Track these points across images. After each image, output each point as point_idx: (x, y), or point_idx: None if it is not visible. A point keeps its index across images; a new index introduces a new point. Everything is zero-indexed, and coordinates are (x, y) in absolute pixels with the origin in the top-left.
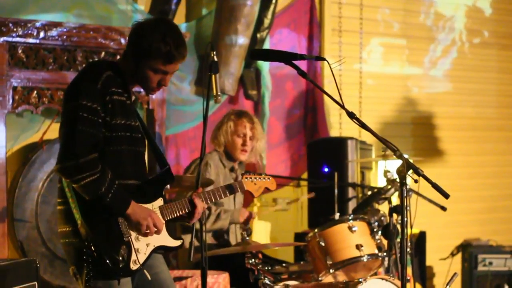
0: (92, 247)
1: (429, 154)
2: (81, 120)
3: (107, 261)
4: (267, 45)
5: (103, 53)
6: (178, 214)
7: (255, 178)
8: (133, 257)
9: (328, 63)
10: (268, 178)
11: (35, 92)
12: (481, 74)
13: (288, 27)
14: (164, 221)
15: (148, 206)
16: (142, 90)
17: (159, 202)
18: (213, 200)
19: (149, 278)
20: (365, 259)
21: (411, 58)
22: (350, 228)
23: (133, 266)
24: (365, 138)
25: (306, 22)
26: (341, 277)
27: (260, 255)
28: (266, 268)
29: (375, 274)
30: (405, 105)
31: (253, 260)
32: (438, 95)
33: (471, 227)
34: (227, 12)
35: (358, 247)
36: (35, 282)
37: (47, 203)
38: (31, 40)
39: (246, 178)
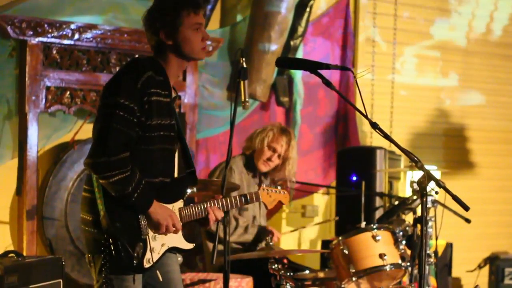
0: (111, 240)
1: (460, 166)
2: (117, 118)
3: (123, 255)
4: (300, 53)
5: (137, 56)
6: (195, 218)
7: (271, 190)
8: (148, 255)
9: (353, 73)
10: (283, 192)
11: (68, 92)
12: None
13: (322, 36)
14: (181, 223)
15: (169, 206)
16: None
17: (179, 204)
18: (230, 208)
19: (161, 279)
20: (387, 268)
21: (444, 70)
22: (374, 237)
23: (146, 264)
24: (394, 148)
25: (340, 31)
26: (364, 285)
27: (285, 261)
28: (288, 274)
29: (399, 283)
30: (437, 116)
31: (276, 265)
32: (470, 108)
33: (500, 240)
34: (261, 18)
35: (381, 256)
36: (60, 280)
37: (77, 202)
38: (65, 41)
39: (263, 189)
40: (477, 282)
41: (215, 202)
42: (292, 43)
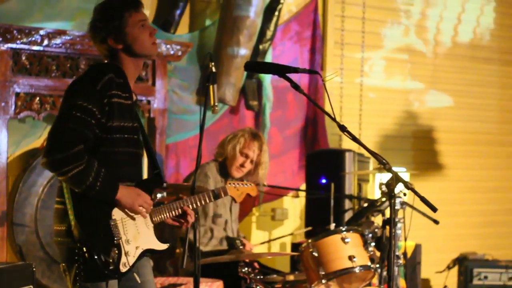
0: (84, 248)
1: (429, 167)
2: (73, 118)
3: (98, 262)
4: (269, 57)
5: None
6: (166, 217)
7: (238, 184)
8: (123, 259)
9: (321, 77)
10: (250, 185)
11: (38, 98)
12: (483, 89)
13: (290, 39)
14: (152, 223)
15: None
16: (143, 98)
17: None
18: (199, 204)
19: (139, 281)
20: (357, 270)
21: (412, 72)
22: (343, 239)
23: (123, 268)
24: (363, 150)
25: (309, 35)
26: (334, 287)
27: (256, 264)
28: (258, 277)
29: (369, 285)
30: (406, 118)
31: (246, 268)
32: (439, 110)
33: (469, 241)
34: (230, 23)
35: (351, 258)
36: (31, 286)
37: (47, 208)
38: (35, 48)
39: (230, 183)
40: (446, 283)
41: (185, 200)
42: (261, 47)
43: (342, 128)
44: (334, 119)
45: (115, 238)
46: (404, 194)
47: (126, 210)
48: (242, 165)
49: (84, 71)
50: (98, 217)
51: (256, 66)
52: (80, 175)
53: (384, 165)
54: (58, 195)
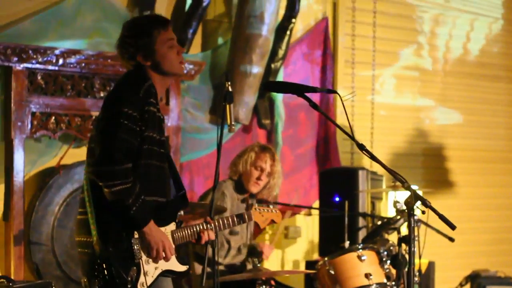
0: (104, 265)
1: (439, 185)
2: (122, 127)
3: (117, 280)
4: (281, 76)
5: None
6: (188, 240)
7: (263, 210)
8: (141, 279)
9: (340, 96)
10: (275, 211)
11: (53, 117)
12: (491, 107)
13: (302, 58)
14: (174, 246)
15: (162, 229)
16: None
17: (172, 226)
18: (222, 229)
19: None
20: (373, 287)
21: (423, 90)
22: (359, 257)
23: None
24: (376, 168)
25: (320, 53)
26: None
27: (272, 282)
28: None
29: None
30: (416, 136)
31: (263, 286)
32: (448, 127)
33: (480, 258)
34: (243, 42)
35: (367, 275)
36: None
37: (63, 226)
38: (50, 67)
39: (255, 209)
40: None
41: (209, 224)
42: (273, 66)
43: (361, 147)
44: (353, 138)
45: (136, 258)
46: (423, 212)
47: (144, 247)
48: (258, 179)
49: (98, 91)
50: (120, 234)
51: (275, 86)
52: (122, 193)
53: (403, 183)
54: (80, 206)
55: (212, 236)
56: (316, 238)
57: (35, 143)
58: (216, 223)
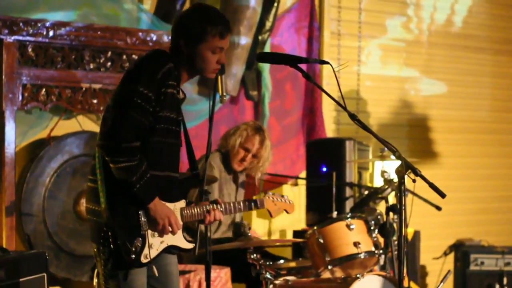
0: (109, 233)
1: (423, 155)
2: (134, 105)
3: (121, 249)
4: (268, 47)
5: (109, 53)
6: (196, 219)
7: (277, 199)
8: (146, 251)
9: (332, 67)
10: (289, 202)
11: (44, 89)
12: (476, 78)
13: (288, 30)
14: (182, 223)
15: (171, 205)
16: None
17: (182, 203)
18: (232, 212)
19: (156, 275)
20: (362, 256)
21: (408, 62)
22: (348, 226)
23: (143, 260)
24: (362, 138)
25: (306, 25)
26: (339, 273)
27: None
28: (267, 263)
29: (371, 271)
30: (401, 107)
31: (255, 255)
32: (433, 98)
33: (464, 228)
34: (230, 13)
35: (356, 244)
36: (44, 274)
37: (54, 198)
38: (40, 39)
39: (269, 197)
40: (443, 268)
41: (219, 205)
42: (260, 37)
43: (353, 117)
44: (345, 108)
45: (142, 229)
46: (414, 181)
47: (150, 222)
48: (243, 159)
49: (88, 63)
50: (128, 205)
51: (268, 57)
52: (127, 170)
53: (394, 153)
54: (91, 173)
55: (221, 217)
56: (303, 208)
57: (26, 115)
58: (227, 206)
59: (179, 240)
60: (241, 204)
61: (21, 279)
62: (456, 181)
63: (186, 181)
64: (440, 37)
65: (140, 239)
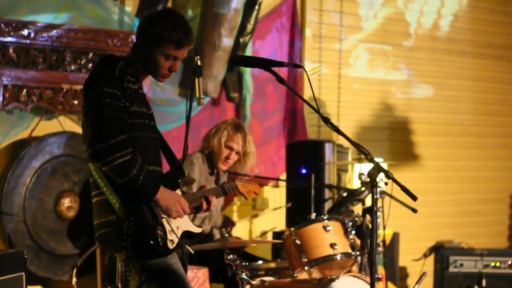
0: (133, 226)
1: (405, 158)
2: (105, 105)
3: (151, 240)
4: (249, 50)
5: (91, 54)
6: (197, 204)
7: (247, 182)
8: (169, 236)
9: (305, 71)
10: (255, 183)
11: (25, 90)
12: (458, 81)
13: (270, 33)
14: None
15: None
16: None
17: (178, 192)
18: (216, 198)
19: (193, 252)
20: (338, 257)
21: (390, 65)
22: (325, 227)
23: (170, 245)
24: (342, 141)
25: (288, 28)
26: (316, 274)
27: (241, 251)
28: (244, 264)
29: (349, 272)
30: (383, 110)
31: (231, 256)
32: (415, 101)
33: (445, 230)
34: (211, 17)
35: (332, 245)
36: (23, 273)
37: (34, 197)
38: (22, 41)
39: (239, 180)
40: (422, 270)
41: (207, 190)
42: (241, 40)
43: (326, 120)
44: (318, 111)
45: (159, 217)
46: (386, 184)
47: (162, 210)
48: (227, 158)
49: (69, 64)
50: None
51: (243, 60)
52: (125, 165)
53: (366, 156)
54: (93, 188)
55: (216, 203)
56: (283, 209)
57: (7, 115)
58: (212, 192)
59: (190, 225)
60: (219, 189)
61: None
62: (437, 184)
63: (174, 172)
64: (424, 41)
65: (160, 227)
